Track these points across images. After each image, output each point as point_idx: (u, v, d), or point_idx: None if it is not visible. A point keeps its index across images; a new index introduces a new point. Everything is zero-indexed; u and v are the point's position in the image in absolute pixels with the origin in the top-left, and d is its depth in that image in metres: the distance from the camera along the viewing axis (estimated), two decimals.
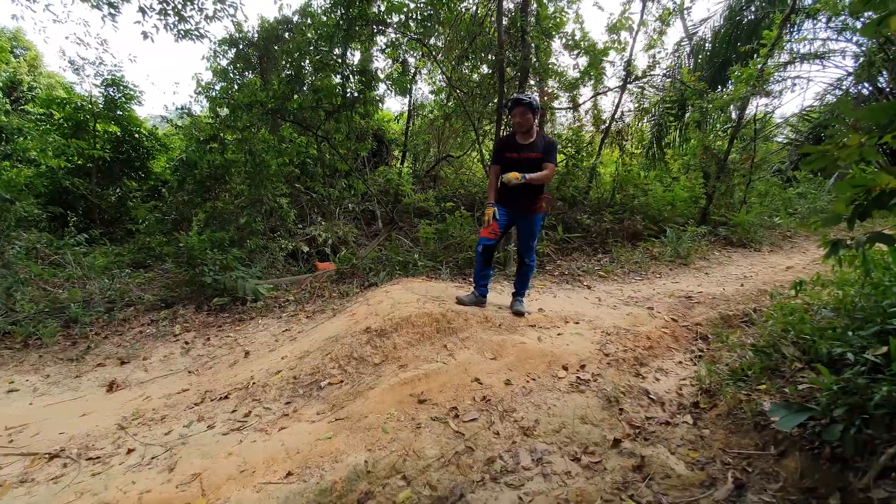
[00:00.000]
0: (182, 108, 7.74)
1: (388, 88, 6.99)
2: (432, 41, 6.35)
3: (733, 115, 7.36)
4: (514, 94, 3.18)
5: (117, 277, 4.72)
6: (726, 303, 4.02)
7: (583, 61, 6.38)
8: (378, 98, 10.02)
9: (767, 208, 6.77)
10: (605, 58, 6.10)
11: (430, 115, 9.43)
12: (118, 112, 8.63)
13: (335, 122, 6.18)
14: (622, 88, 7.28)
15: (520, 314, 3.42)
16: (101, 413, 2.65)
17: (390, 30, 6.27)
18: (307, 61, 5.54)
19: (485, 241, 3.40)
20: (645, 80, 7.50)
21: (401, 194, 8.31)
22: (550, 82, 6.31)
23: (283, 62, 5.97)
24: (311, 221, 7.84)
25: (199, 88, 7.84)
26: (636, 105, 7.86)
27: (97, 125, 8.59)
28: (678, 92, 7.42)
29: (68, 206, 8.26)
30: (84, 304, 4.01)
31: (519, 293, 3.57)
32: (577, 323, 3.49)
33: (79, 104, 8.43)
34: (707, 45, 9.20)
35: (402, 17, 5.98)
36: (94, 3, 7.79)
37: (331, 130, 6.44)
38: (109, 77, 8.34)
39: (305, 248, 7.33)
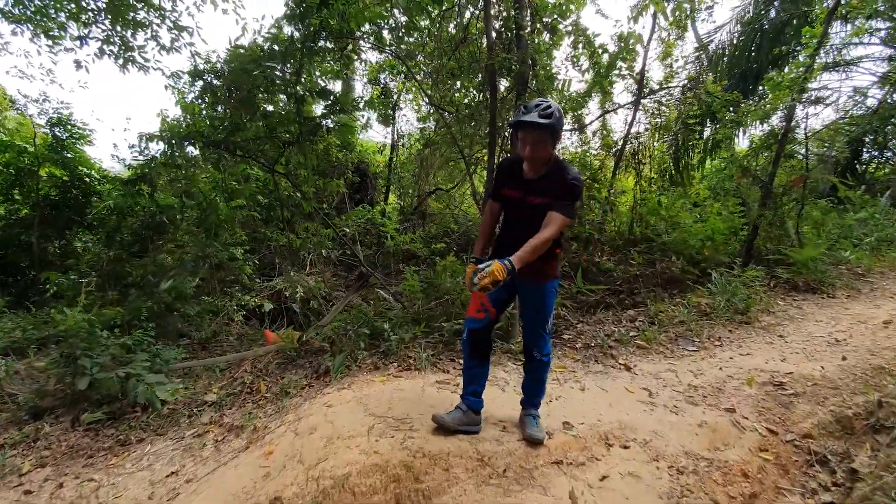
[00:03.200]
0: (137, 147, 6.73)
1: (362, 114, 5.96)
2: (413, 57, 5.31)
3: (766, 127, 6.28)
4: (520, 106, 1.96)
5: None
6: (835, 392, 2.75)
7: (588, 72, 5.31)
8: (360, 125, 8.96)
9: (826, 240, 5.53)
10: (619, 66, 5.01)
11: (417, 144, 8.40)
12: (66, 154, 7.63)
13: (296, 155, 5.08)
14: (636, 104, 6.22)
15: (536, 441, 2.15)
16: None
17: (363, 44, 5.28)
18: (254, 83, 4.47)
19: (471, 324, 2.24)
20: (662, 92, 6.45)
21: (383, 236, 7.16)
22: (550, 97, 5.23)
23: (226, 86, 4.92)
24: (279, 272, 6.68)
25: (164, 126, 6.85)
26: (652, 122, 6.79)
27: (41, 169, 7.56)
28: (703, 104, 6.34)
29: (9, 260, 7.17)
30: None
31: (530, 403, 2.32)
32: (625, 447, 2.23)
33: (21, 147, 7.45)
34: (724, 53, 8.24)
35: (374, 27, 4.97)
36: (32, 37, 6.93)
37: (292, 164, 5.34)
38: (55, 115, 7.39)
39: (269, 306, 6.11)
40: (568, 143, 7.23)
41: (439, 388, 2.67)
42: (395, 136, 8.73)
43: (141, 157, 4.96)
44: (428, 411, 2.27)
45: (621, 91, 6.19)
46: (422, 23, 5.18)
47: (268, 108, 4.96)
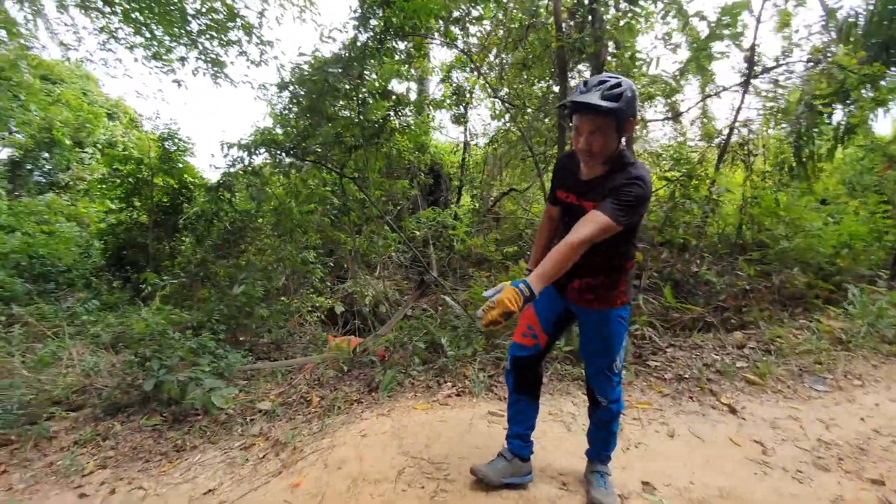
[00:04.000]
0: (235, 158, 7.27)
1: (434, 114, 5.77)
2: (481, 48, 4.98)
3: None
4: (580, 83, 1.58)
5: (82, 364, 3.83)
6: None
7: (680, 47, 4.54)
8: (432, 126, 8.80)
9: None
10: (723, 39, 4.20)
11: (492, 143, 8.05)
12: (174, 164, 8.49)
13: (362, 159, 5.02)
14: (745, 84, 5.25)
15: None
16: None
17: (430, 41, 5.07)
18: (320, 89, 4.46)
19: (516, 351, 1.87)
20: (779, 70, 5.39)
21: (454, 239, 6.92)
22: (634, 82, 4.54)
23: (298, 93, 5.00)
24: (351, 275, 6.75)
25: (255, 136, 7.33)
26: (766, 106, 5.71)
27: (155, 178, 8.48)
28: (834, 82, 5.18)
29: (130, 261, 8.12)
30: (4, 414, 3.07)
31: (597, 456, 1.87)
32: None
33: (140, 159, 8.43)
34: (859, 19, 6.70)
35: (439, 22, 4.73)
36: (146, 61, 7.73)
37: (361, 167, 5.30)
38: (165, 131, 8.27)
39: (341, 308, 6.18)
40: (659, 133, 6.40)
41: (490, 423, 2.31)
42: (468, 135, 8.47)
43: (223, 165, 5.24)
44: (471, 453, 1.93)
45: (726, 71, 5.30)
46: (490, 9, 4.82)
47: (343, 113, 4.96)
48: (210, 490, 2.29)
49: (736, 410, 2.61)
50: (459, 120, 7.70)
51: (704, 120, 5.49)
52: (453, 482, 1.74)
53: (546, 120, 4.62)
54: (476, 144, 8.30)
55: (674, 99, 4.98)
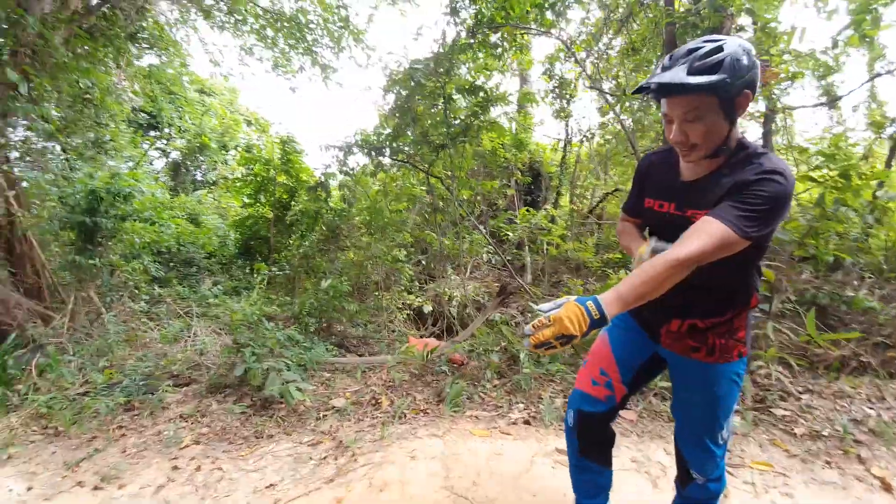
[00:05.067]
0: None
1: (534, 109, 5.45)
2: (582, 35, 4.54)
3: None
4: (664, 57, 1.25)
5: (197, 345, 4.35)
6: None
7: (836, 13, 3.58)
8: (533, 123, 8.42)
9: None
10: None
11: (593, 139, 7.42)
12: (292, 165, 9.38)
13: (450, 158, 4.93)
14: None
15: None
16: None
17: (526, 31, 4.77)
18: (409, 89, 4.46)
19: (583, 404, 1.47)
20: None
21: (548, 243, 6.52)
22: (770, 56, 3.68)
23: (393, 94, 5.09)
24: (440, 275, 6.77)
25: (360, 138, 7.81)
26: None
27: (278, 177, 9.46)
28: None
29: (256, 251, 9.20)
30: (133, 383, 3.60)
31: None
32: None
33: (266, 160, 9.48)
34: None
35: (536, 9, 4.42)
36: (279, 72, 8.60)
37: (449, 167, 5.23)
38: (285, 135, 9.18)
39: (429, 308, 6.23)
40: (808, 122, 5.25)
41: (555, 464, 2.02)
42: (571, 131, 7.92)
43: (322, 166, 5.58)
44: (526, 502, 1.68)
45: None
46: None
47: (431, 111, 4.94)
48: (271, 485, 2.37)
49: (892, 488, 1.94)
50: (561, 114, 7.23)
51: (872, 105, 4.35)
52: None
53: (654, 111, 4.04)
54: (579, 141, 7.73)
55: (829, 80, 4.00)
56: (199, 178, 14.97)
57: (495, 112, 4.81)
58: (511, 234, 6.94)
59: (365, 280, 5.64)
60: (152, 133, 13.07)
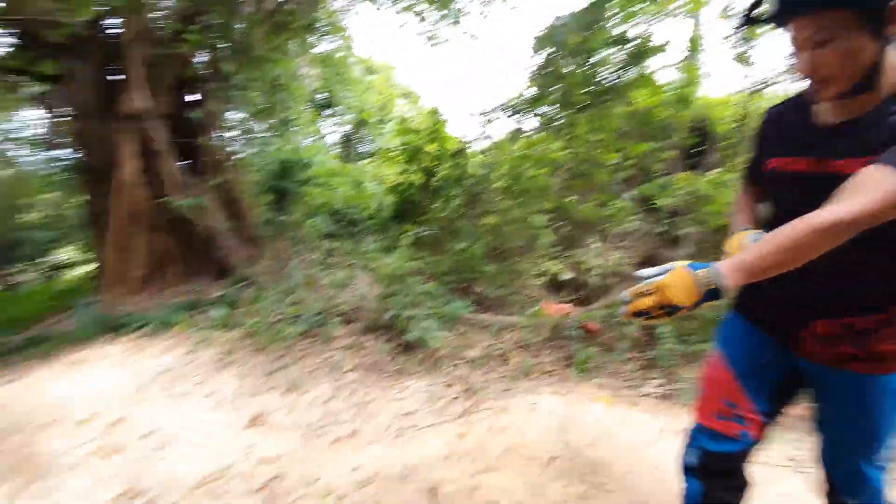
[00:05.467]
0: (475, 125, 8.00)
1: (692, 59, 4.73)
2: None
3: None
4: None
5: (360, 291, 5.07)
6: None
7: None
8: (698, 74, 7.34)
9: None
10: None
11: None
12: (440, 133, 9.90)
13: (596, 119, 4.64)
14: None
15: None
16: (220, 449, 2.58)
17: None
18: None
19: (709, 443, 1.17)
20: None
21: (708, 212, 5.71)
22: None
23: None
24: (581, 243, 6.55)
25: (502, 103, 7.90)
26: None
27: (427, 146, 10.11)
28: None
29: (408, 214, 10.14)
30: (314, 316, 4.41)
31: None
32: None
33: (417, 130, 10.20)
34: None
35: None
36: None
37: (595, 129, 4.93)
38: (433, 105, 9.69)
39: (567, 275, 6.15)
40: None
41: None
42: (754, 81, 6.62)
43: (464, 133, 5.78)
44: (642, 473, 1.64)
45: None
46: None
47: (573, 71, 4.69)
48: (410, 412, 2.73)
49: None
50: (742, 59, 6.08)
51: None
52: (606, 493, 1.52)
53: None
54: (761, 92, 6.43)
55: None
56: (362, 149, 16.84)
57: (651, 65, 4.30)
58: (665, 200, 6.26)
59: (503, 244, 5.77)
60: (326, 112, 15.05)
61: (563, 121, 4.90)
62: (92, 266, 10.45)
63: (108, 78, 6.57)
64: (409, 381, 3.22)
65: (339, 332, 4.23)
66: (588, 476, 1.59)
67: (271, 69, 7.66)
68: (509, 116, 4.98)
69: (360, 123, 14.78)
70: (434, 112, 9.35)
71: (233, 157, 7.26)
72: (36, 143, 11.06)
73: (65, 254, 12.51)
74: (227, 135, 7.35)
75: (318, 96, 13.89)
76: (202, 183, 6.59)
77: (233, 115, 7.12)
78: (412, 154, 10.17)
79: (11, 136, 11.42)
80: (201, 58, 6.96)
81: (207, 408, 3.19)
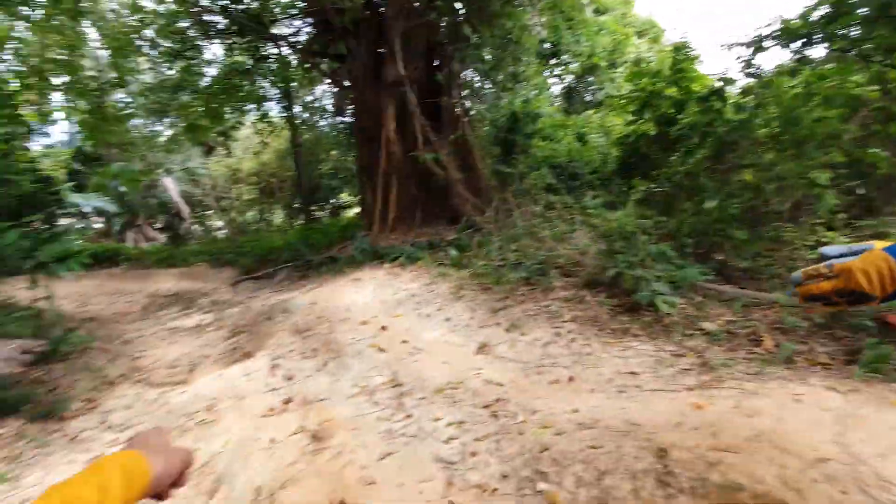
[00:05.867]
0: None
1: None
2: None
3: None
4: None
5: (581, 245, 4.99)
6: None
7: None
8: None
9: None
10: None
11: None
12: (687, 74, 8.52)
13: None
14: None
15: None
16: (455, 366, 3.09)
17: None
18: None
19: None
20: None
21: None
22: None
23: None
24: (887, 209, 4.89)
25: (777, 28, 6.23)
26: None
27: (666, 90, 8.90)
28: None
29: (634, 168, 9.36)
30: (535, 264, 4.59)
31: None
32: None
33: (655, 72, 9.03)
34: None
35: None
36: None
37: None
38: (679, 40, 8.32)
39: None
40: None
41: None
42: None
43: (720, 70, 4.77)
44: None
45: None
46: None
47: None
48: (633, 372, 2.63)
49: None
50: None
51: None
52: None
53: None
54: None
55: None
56: (587, 99, 15.96)
57: None
58: None
59: (762, 205, 4.73)
60: (552, 61, 14.62)
61: (874, 44, 3.56)
62: (360, 208, 13.31)
63: (378, 51, 7.90)
64: (633, 342, 3.08)
65: (557, 283, 4.32)
66: (872, 490, 1.25)
67: (504, 24, 7.83)
68: (785, 45, 3.87)
69: (588, 70, 13.89)
70: (680, 48, 8.03)
71: (468, 114, 7.90)
72: (327, 112, 14.32)
73: (344, 197, 16.23)
74: (464, 93, 7.98)
75: (545, 45, 13.58)
76: (443, 139, 7.44)
77: (469, 75, 7.67)
78: (646, 101, 9.10)
79: (312, 105, 15.06)
80: (445, 24, 7.63)
81: (446, 330, 3.78)
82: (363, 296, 4.74)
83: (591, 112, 13.96)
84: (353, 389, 2.98)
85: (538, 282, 4.37)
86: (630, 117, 9.94)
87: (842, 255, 0.74)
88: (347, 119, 13.85)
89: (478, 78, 9.65)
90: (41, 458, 2.53)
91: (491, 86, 9.19)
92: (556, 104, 14.29)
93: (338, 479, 2.06)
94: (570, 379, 2.69)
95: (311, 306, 4.60)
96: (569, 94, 16.14)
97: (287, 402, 2.93)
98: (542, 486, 1.73)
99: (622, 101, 10.29)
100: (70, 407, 3.09)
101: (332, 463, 2.18)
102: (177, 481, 0.57)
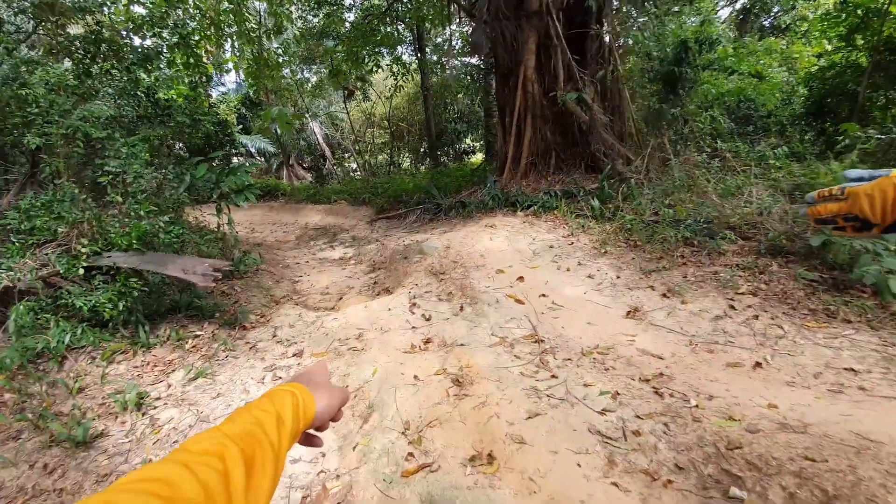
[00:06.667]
0: None
1: None
2: None
3: None
4: None
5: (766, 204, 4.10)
6: None
7: None
8: None
9: None
10: None
11: None
12: None
13: None
14: None
15: None
16: (602, 328, 2.83)
17: None
18: None
19: None
20: None
21: None
22: None
23: None
24: None
25: None
26: None
27: (892, 6, 6.71)
28: None
29: (831, 110, 7.47)
30: (696, 224, 3.92)
31: None
32: None
33: None
34: None
35: None
36: None
37: None
38: None
39: None
40: None
41: None
42: None
43: None
44: None
45: None
46: None
47: None
48: (851, 369, 2.06)
49: None
50: None
51: None
52: None
53: None
54: None
55: None
56: (766, 24, 13.00)
57: None
58: None
59: None
60: None
61: None
62: (488, 152, 13.00)
63: None
64: (845, 329, 2.43)
65: (729, 246, 3.64)
66: None
67: None
68: None
69: None
70: None
71: (620, 46, 6.89)
72: (457, 53, 13.88)
73: (468, 142, 16.03)
74: (617, 22, 6.93)
75: None
76: (588, 75, 6.64)
77: None
78: (859, 21, 6.99)
79: (443, 48, 14.72)
80: None
81: (589, 288, 3.46)
82: (497, 243, 4.59)
83: (771, 40, 11.32)
84: (492, 339, 2.90)
85: (703, 243, 3.73)
86: (830, 46, 7.81)
87: (860, 179, 0.69)
88: (476, 60, 13.30)
89: (632, 4, 8.29)
90: (230, 360, 2.96)
91: (653, 9, 7.80)
92: (728, 31, 11.84)
93: (484, 430, 2.01)
94: (757, 365, 2.23)
95: (446, 250, 4.61)
96: (742, 17, 13.31)
97: (427, 341, 2.98)
98: (735, 491, 1.44)
99: (821, 24, 8.07)
100: (249, 319, 3.58)
101: (477, 412, 2.13)
102: (334, 416, 0.63)
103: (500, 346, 2.81)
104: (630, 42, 6.19)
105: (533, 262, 4.07)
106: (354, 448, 2.08)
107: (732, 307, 2.87)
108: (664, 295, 3.19)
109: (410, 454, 1.96)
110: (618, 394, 2.14)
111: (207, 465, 0.40)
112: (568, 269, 3.84)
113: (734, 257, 3.49)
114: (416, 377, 2.55)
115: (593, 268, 3.79)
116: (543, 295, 3.42)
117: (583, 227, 4.68)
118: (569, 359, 2.56)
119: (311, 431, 0.60)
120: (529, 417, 2.04)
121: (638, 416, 1.97)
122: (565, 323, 3.00)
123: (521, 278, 3.73)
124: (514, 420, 2.03)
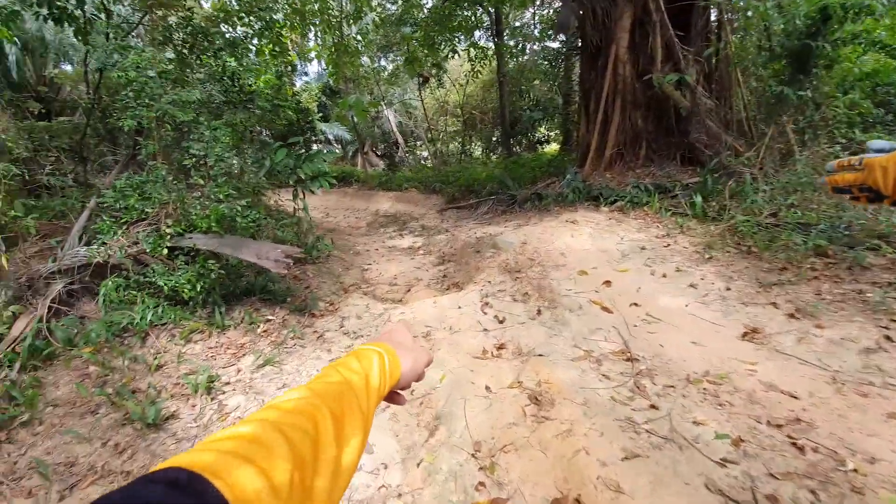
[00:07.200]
0: None
1: None
2: None
3: None
4: None
5: None
6: None
7: None
8: None
9: None
10: None
11: None
12: None
13: None
14: None
15: None
16: (711, 350, 2.39)
17: None
18: None
19: None
20: None
21: None
22: None
23: None
24: None
25: None
26: None
27: None
28: None
29: None
30: (832, 230, 3.23)
31: None
32: None
33: None
34: None
35: None
36: None
37: None
38: None
39: None
40: None
41: None
42: None
43: None
44: None
45: None
46: None
47: None
48: None
49: None
50: None
51: None
52: None
53: None
54: None
55: None
56: None
57: None
58: None
59: None
60: None
61: None
62: (566, 141, 12.28)
63: None
64: None
65: (877, 260, 2.95)
66: None
67: None
68: None
69: None
70: None
71: (733, 19, 6.01)
72: (535, 38, 13.17)
73: (543, 130, 15.28)
74: None
75: None
76: (691, 54, 5.87)
77: None
78: None
79: (522, 32, 14.06)
80: None
81: (692, 299, 2.97)
82: (579, 241, 4.17)
83: None
84: (575, 351, 2.56)
85: (841, 254, 3.06)
86: None
87: (881, 150, 0.63)
88: (559, 42, 12.52)
89: None
90: (298, 349, 2.90)
91: None
92: None
93: (570, 467, 1.70)
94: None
95: (522, 246, 4.28)
96: None
97: (500, 347, 2.71)
98: None
99: None
100: (318, 306, 3.53)
101: (560, 442, 1.83)
102: (418, 376, 0.61)
103: (584, 360, 2.46)
104: (749, 14, 5.32)
105: (621, 265, 3.62)
106: (419, 465, 1.88)
107: (889, 338, 2.28)
108: (791, 315, 2.63)
109: (482, 483, 1.71)
110: (741, 440, 1.73)
111: (299, 429, 0.38)
112: (664, 276, 3.35)
113: (885, 273, 2.81)
114: (487, 388, 2.30)
115: (696, 275, 3.27)
116: (635, 304, 2.99)
117: (681, 226, 4.11)
118: (671, 385, 2.16)
119: (396, 390, 0.59)
120: (626, 458, 1.70)
121: (772, 475, 1.55)
122: (664, 340, 2.57)
123: (607, 282, 3.32)
124: (607, 460, 1.70)
